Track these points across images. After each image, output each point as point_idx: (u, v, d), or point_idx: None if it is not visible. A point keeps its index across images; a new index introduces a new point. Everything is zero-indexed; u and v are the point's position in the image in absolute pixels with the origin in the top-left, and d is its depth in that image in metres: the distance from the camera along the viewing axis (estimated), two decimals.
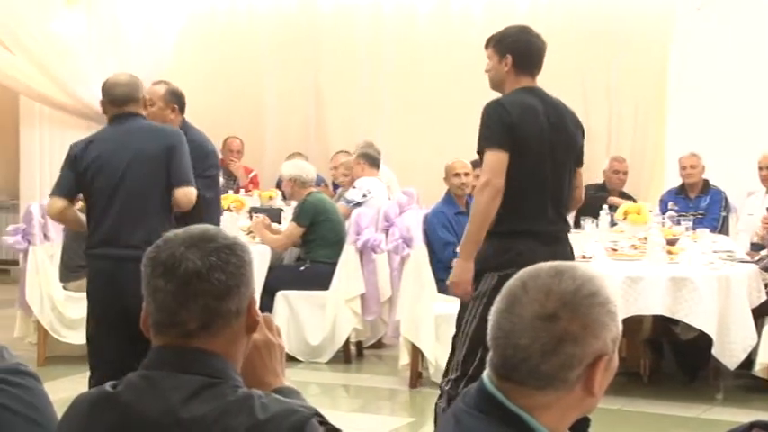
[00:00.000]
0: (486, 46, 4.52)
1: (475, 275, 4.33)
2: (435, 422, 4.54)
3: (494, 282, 4.22)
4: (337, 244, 7.34)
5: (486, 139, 4.31)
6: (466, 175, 7.15)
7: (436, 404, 4.49)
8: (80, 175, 4.92)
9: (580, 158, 4.57)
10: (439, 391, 4.53)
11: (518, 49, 4.43)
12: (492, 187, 4.25)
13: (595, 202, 7.92)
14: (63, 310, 7.09)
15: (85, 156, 4.92)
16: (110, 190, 4.85)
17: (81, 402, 1.91)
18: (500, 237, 4.31)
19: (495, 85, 4.51)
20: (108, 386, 1.89)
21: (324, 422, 1.88)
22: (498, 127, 4.28)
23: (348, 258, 7.23)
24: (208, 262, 1.85)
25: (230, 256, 1.87)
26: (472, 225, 4.34)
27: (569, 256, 4.50)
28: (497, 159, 4.26)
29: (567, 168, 4.48)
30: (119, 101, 4.98)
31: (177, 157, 4.83)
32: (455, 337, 4.44)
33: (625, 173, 8.83)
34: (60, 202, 4.96)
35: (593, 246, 6.77)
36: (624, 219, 7.46)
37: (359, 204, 7.91)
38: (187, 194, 4.81)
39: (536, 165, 4.33)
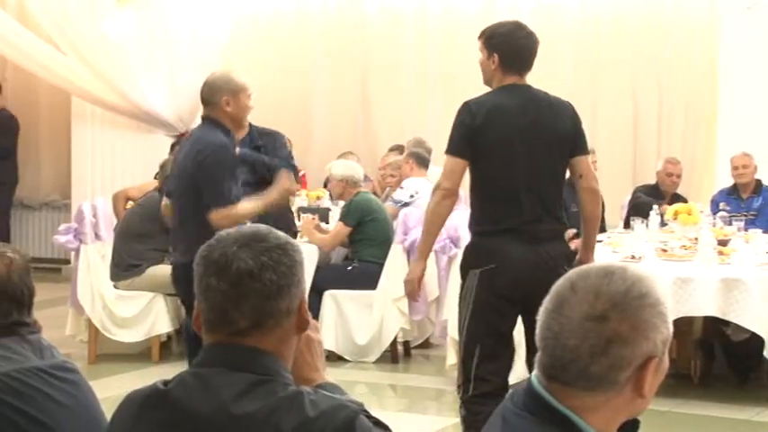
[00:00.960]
0: (479, 38, 4.52)
1: (461, 274, 4.43)
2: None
3: (476, 279, 4.30)
4: (385, 243, 7.35)
5: (448, 144, 4.38)
6: None
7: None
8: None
9: (578, 147, 4.42)
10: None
11: (505, 49, 4.40)
12: (441, 190, 4.37)
13: (647, 206, 7.86)
14: (114, 308, 7.17)
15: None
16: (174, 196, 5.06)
17: (132, 399, 1.93)
18: (478, 236, 4.40)
19: (485, 80, 4.52)
20: (160, 383, 1.91)
21: (370, 416, 1.89)
22: (460, 132, 4.32)
23: (395, 258, 7.23)
24: (260, 262, 1.86)
25: (282, 257, 1.88)
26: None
27: (558, 255, 4.33)
28: (451, 165, 4.34)
29: (550, 163, 4.36)
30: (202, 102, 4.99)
31: (203, 176, 4.82)
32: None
33: (679, 175, 8.70)
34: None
35: (642, 246, 6.71)
36: (674, 219, 7.39)
37: (406, 204, 7.91)
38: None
39: (506, 163, 4.30)
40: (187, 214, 4.85)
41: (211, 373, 1.86)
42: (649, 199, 8.31)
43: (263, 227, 1.95)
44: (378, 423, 1.90)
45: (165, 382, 1.90)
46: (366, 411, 1.88)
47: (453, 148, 4.34)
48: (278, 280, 1.86)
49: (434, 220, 4.42)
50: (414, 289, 4.45)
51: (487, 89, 4.51)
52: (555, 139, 4.38)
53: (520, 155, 4.31)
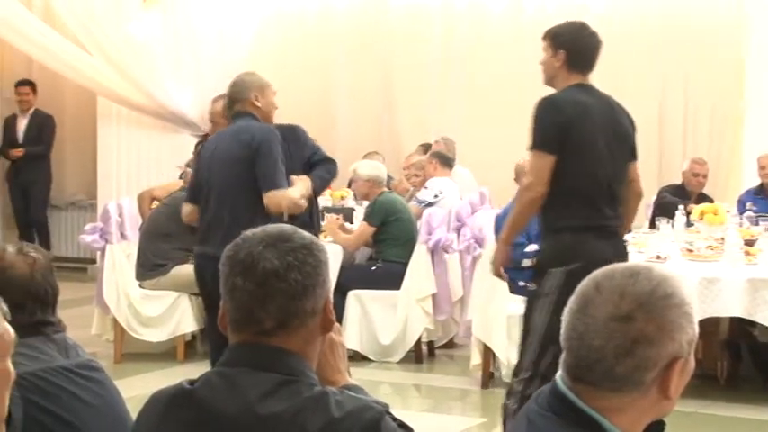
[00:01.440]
0: (544, 38, 4.51)
1: (539, 272, 4.35)
2: (504, 423, 4.52)
3: (561, 278, 4.22)
4: (409, 243, 7.34)
5: (534, 140, 4.35)
6: None
7: (505, 404, 4.47)
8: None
9: (634, 152, 4.57)
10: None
11: (573, 47, 4.42)
12: (533, 192, 4.35)
13: (672, 206, 7.81)
14: (139, 307, 7.20)
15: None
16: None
17: (158, 399, 1.94)
18: (561, 233, 4.35)
19: (548, 79, 4.51)
20: (185, 383, 1.91)
21: (394, 418, 1.89)
22: (547, 128, 4.31)
23: (419, 258, 7.22)
24: (285, 262, 1.86)
25: (307, 257, 1.89)
26: (511, 220, 4.51)
27: (625, 250, 4.58)
28: (542, 163, 4.31)
29: (622, 163, 4.48)
30: (229, 102, 5.11)
31: (261, 160, 4.90)
32: (524, 336, 4.43)
33: (705, 176, 8.63)
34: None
35: (668, 246, 6.67)
36: (701, 219, 7.34)
37: (430, 205, 7.90)
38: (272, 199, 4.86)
39: (591, 161, 4.34)
40: (235, 204, 4.89)
41: (237, 373, 1.86)
42: (675, 199, 8.26)
43: (287, 227, 1.95)
44: (402, 425, 1.89)
45: (191, 382, 1.91)
46: (390, 413, 1.88)
47: (543, 144, 4.31)
48: (303, 280, 1.87)
49: (524, 219, 4.49)
50: (499, 273, 4.55)
51: (549, 90, 4.50)
52: (626, 139, 4.50)
53: (602, 152, 4.36)
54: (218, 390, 1.86)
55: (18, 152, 10.40)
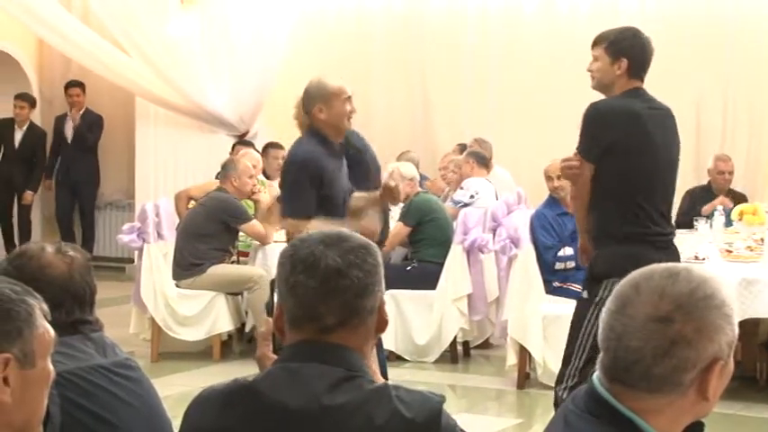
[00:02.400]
0: (595, 44, 4.42)
1: (595, 281, 4.29)
2: None
3: (614, 287, 4.17)
4: (444, 244, 7.33)
5: (580, 147, 4.34)
6: (559, 178, 6.92)
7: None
8: None
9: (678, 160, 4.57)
10: (551, 393, 4.48)
11: (635, 54, 4.35)
12: (579, 204, 4.43)
13: (702, 203, 7.75)
14: (176, 307, 7.24)
15: None
16: None
17: (212, 395, 1.95)
18: (617, 242, 4.28)
19: (602, 86, 4.43)
20: (242, 378, 1.94)
21: None
22: (594, 136, 4.28)
23: (455, 258, 7.21)
24: (347, 260, 1.91)
25: (366, 256, 1.94)
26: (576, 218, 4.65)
27: (679, 260, 4.53)
28: (585, 171, 4.30)
29: (675, 171, 4.46)
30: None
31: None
32: (571, 342, 4.37)
33: (731, 172, 8.52)
34: None
35: (706, 247, 6.61)
36: (739, 219, 7.27)
37: (466, 206, 7.88)
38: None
39: (644, 169, 4.29)
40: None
41: (300, 367, 1.90)
42: (707, 195, 8.21)
43: (344, 229, 2.01)
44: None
45: (249, 378, 1.94)
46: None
47: (588, 153, 4.30)
48: (364, 278, 1.92)
49: (582, 221, 4.55)
50: (587, 259, 4.55)
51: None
52: (676, 146, 4.47)
53: (654, 159, 4.33)
54: (282, 382, 1.89)
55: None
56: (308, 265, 1.90)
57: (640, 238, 4.27)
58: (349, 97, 4.77)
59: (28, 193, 10.51)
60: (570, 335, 4.39)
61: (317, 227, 4.70)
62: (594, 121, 4.28)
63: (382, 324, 1.97)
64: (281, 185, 5.04)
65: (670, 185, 4.46)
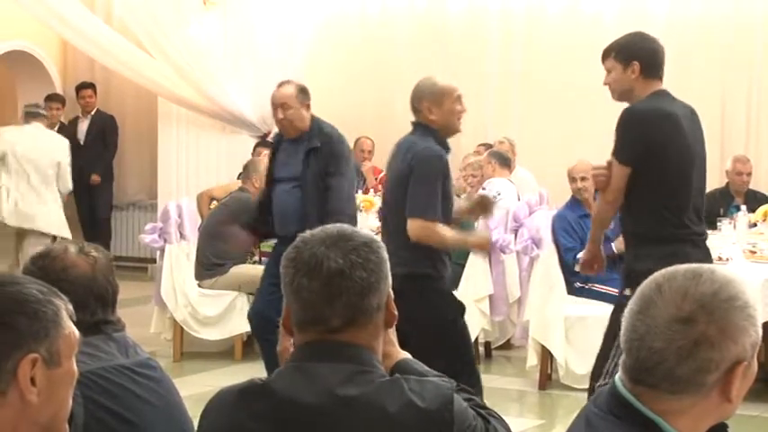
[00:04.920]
0: (605, 57, 4.44)
1: (632, 279, 4.28)
2: None
3: None
4: None
5: (617, 152, 4.33)
6: (583, 179, 6.90)
7: None
8: None
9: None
10: (573, 394, 4.48)
11: (645, 54, 4.37)
12: (612, 208, 4.43)
13: (721, 204, 7.71)
14: (197, 307, 7.26)
15: None
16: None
17: (227, 393, 1.97)
18: (658, 241, 4.29)
19: (622, 94, 4.43)
20: (257, 379, 1.96)
21: (462, 389, 2.00)
22: (632, 141, 4.29)
23: (477, 259, 7.19)
24: (349, 260, 1.91)
25: (369, 254, 1.93)
26: (593, 226, 4.64)
27: (711, 259, 4.65)
28: (622, 176, 4.29)
29: (704, 169, 4.50)
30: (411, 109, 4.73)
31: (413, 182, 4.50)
32: (607, 340, 4.38)
33: (749, 174, 8.47)
34: None
35: (730, 248, 6.57)
36: (763, 220, 7.22)
37: None
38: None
39: (682, 169, 4.32)
40: (398, 223, 4.57)
41: (312, 366, 1.91)
42: (725, 197, 8.17)
43: (346, 226, 1.99)
44: (470, 399, 1.99)
45: (263, 378, 1.96)
46: (458, 385, 1.97)
47: (625, 156, 4.30)
48: (368, 277, 1.91)
49: (604, 226, 4.65)
50: (590, 272, 4.68)
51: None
52: (703, 145, 4.50)
53: (690, 158, 4.35)
54: (295, 380, 1.90)
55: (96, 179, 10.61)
56: (310, 268, 1.90)
57: (680, 237, 4.31)
58: (459, 96, 4.68)
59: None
60: (606, 332, 4.40)
61: (449, 236, 4.53)
62: (631, 124, 4.30)
63: (391, 319, 1.98)
64: (414, 183, 4.50)
65: (702, 184, 4.49)
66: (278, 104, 5.63)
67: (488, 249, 4.86)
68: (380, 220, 5.18)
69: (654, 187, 4.31)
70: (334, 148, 5.56)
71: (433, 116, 4.63)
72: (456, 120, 4.70)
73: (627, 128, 4.31)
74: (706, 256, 4.38)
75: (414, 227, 4.43)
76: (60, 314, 1.61)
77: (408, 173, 4.49)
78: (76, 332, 1.64)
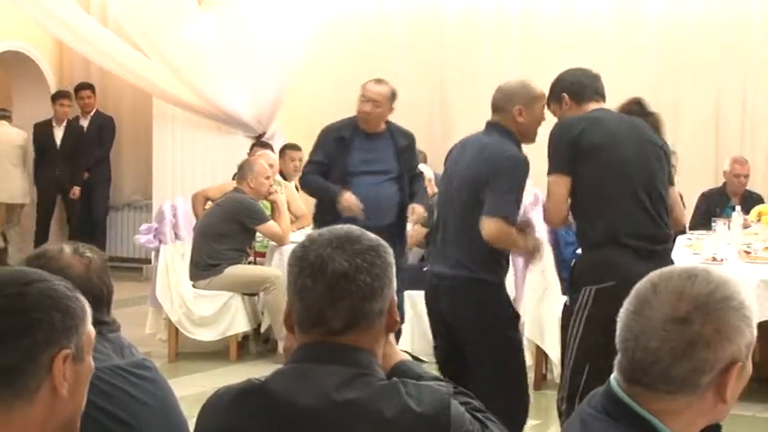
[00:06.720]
0: (546, 106, 4.52)
1: (573, 286, 4.31)
2: None
3: (591, 295, 4.15)
4: None
5: (549, 165, 4.35)
6: None
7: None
8: None
9: (671, 177, 4.43)
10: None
11: (569, 85, 4.44)
12: (550, 223, 4.49)
13: (717, 205, 7.72)
14: (192, 307, 7.25)
15: None
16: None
17: (225, 393, 1.97)
18: (595, 248, 4.25)
19: None
20: (254, 379, 1.96)
21: (460, 392, 1.99)
22: (561, 149, 4.29)
23: None
24: (354, 264, 1.90)
25: (375, 258, 1.93)
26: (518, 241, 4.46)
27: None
28: (557, 187, 4.30)
29: (652, 168, 4.31)
30: (492, 107, 4.67)
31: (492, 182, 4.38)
32: (562, 350, 4.39)
33: (746, 176, 8.47)
34: None
35: (725, 248, 6.58)
36: (758, 221, 7.24)
37: None
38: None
39: (613, 165, 4.24)
40: (460, 223, 4.45)
41: (310, 367, 1.91)
42: (722, 198, 8.18)
43: (354, 228, 1.98)
44: (467, 402, 1.98)
45: (260, 378, 1.96)
46: (456, 388, 1.98)
47: (558, 166, 4.30)
48: (372, 282, 1.91)
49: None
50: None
51: None
52: (657, 156, 4.34)
53: (628, 159, 4.26)
54: (292, 381, 1.90)
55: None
56: (315, 269, 1.90)
57: (619, 246, 4.17)
58: (545, 104, 4.59)
59: (76, 189, 10.64)
60: (561, 342, 4.42)
61: (521, 243, 4.46)
62: (558, 135, 4.32)
63: (392, 324, 1.97)
64: (499, 184, 4.36)
65: (649, 184, 4.27)
66: (370, 99, 6.15)
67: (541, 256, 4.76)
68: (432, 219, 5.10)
69: (589, 191, 4.25)
70: (415, 147, 6.52)
71: (522, 119, 4.50)
72: (538, 128, 4.59)
73: (554, 140, 4.32)
74: (651, 268, 4.13)
75: (492, 226, 4.28)
76: (86, 310, 1.64)
77: (487, 174, 4.35)
78: (93, 330, 1.66)
